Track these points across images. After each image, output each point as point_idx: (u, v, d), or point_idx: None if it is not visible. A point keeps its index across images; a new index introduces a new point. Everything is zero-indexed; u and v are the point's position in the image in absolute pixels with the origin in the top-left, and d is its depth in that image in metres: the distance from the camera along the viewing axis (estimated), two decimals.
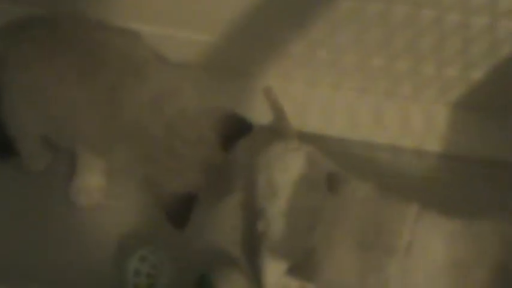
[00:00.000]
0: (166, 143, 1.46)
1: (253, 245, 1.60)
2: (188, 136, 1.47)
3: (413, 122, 1.77)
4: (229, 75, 1.77)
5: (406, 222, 1.38)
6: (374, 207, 1.42)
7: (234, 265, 1.61)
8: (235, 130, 1.51)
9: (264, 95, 1.74)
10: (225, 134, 1.49)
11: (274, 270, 1.56)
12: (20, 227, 1.65)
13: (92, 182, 1.66)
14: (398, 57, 1.70)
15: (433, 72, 1.72)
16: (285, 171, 1.58)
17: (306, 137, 1.68)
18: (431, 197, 1.52)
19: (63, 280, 1.57)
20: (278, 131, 1.69)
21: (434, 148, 1.76)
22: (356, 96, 1.78)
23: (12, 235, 1.64)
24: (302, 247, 1.51)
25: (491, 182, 1.72)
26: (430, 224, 1.39)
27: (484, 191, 1.71)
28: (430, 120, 1.77)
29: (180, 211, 1.48)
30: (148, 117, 1.46)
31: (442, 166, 1.75)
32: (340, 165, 1.61)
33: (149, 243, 1.61)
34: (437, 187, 1.71)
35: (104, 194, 1.67)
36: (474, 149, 1.75)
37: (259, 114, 1.74)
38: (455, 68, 1.70)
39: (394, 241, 1.37)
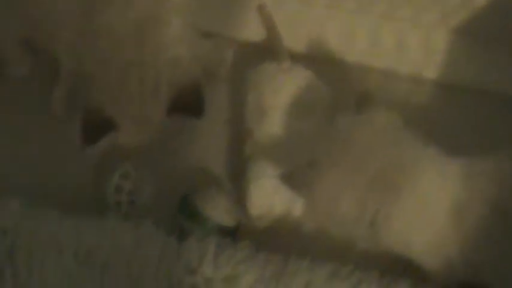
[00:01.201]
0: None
1: (238, 167, 1.54)
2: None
3: (411, 47, 1.69)
4: None
5: (420, 163, 1.31)
6: (392, 137, 1.35)
7: (219, 186, 1.54)
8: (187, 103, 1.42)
9: (258, 12, 1.63)
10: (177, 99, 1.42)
11: (259, 193, 1.49)
12: None
13: None
14: None
15: None
16: (276, 92, 1.52)
17: (298, 58, 1.60)
18: (427, 126, 1.44)
19: (42, 193, 1.49)
20: (270, 50, 1.60)
21: (432, 75, 1.68)
22: (352, 18, 1.68)
23: None
24: (292, 170, 1.43)
25: (488, 114, 1.65)
26: (438, 166, 1.33)
27: (481, 123, 1.64)
28: (428, 46, 1.69)
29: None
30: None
31: (439, 95, 1.68)
32: (333, 88, 1.56)
33: (131, 159, 1.52)
34: (433, 116, 1.63)
35: None
36: (473, 79, 1.67)
37: (252, 32, 1.65)
38: None
39: (403, 179, 1.30)
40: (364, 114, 1.38)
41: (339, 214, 1.30)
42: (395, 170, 1.30)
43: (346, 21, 1.67)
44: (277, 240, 1.51)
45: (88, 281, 1.40)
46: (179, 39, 1.43)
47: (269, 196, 1.48)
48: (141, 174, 1.51)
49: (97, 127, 1.38)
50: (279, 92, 1.51)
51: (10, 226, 1.41)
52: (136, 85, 1.38)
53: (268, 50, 1.60)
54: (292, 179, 1.39)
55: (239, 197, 1.51)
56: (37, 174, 1.53)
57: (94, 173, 1.53)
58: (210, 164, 1.57)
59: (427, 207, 1.30)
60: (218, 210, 1.48)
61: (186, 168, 1.56)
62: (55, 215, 1.43)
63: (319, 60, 1.62)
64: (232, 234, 1.48)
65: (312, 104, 1.52)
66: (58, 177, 1.54)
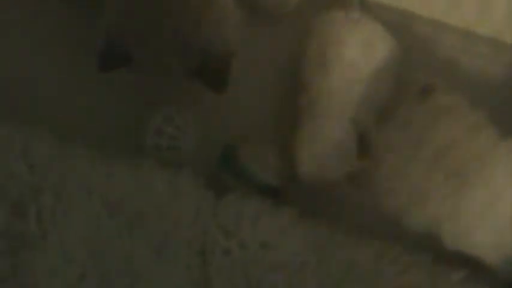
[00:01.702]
0: None
1: (290, 122, 1.41)
2: None
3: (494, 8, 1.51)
4: None
5: (494, 152, 1.21)
6: (459, 120, 1.25)
7: (266, 140, 1.42)
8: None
9: None
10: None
11: (312, 153, 1.37)
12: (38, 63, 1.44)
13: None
14: None
15: None
16: (341, 43, 1.37)
17: (369, 8, 1.45)
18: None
19: (76, 131, 1.37)
20: None
21: None
22: None
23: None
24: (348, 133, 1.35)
25: None
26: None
27: None
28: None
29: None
30: None
31: None
32: (404, 44, 1.41)
33: (176, 102, 1.40)
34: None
35: None
36: None
37: None
38: None
39: (474, 167, 1.21)
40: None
41: (397, 203, 1.19)
42: (465, 156, 1.19)
43: None
44: (325, 209, 1.39)
45: (116, 230, 1.29)
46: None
47: (323, 157, 1.36)
48: (185, 119, 1.38)
49: (117, 57, 1.30)
50: (345, 44, 1.37)
51: (38, 162, 1.31)
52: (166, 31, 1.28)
53: None
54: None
55: (288, 154, 1.39)
56: (73, 109, 1.42)
57: (135, 113, 1.41)
58: (258, 117, 1.44)
59: (499, 200, 1.19)
60: (262, 167, 1.37)
61: (232, 119, 1.43)
62: (87, 156, 1.32)
63: (392, 12, 1.47)
64: (275, 195, 1.37)
65: (379, 59, 1.37)
66: (95, 115, 1.42)
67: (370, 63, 1.36)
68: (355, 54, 1.36)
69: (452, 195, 1.21)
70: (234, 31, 1.34)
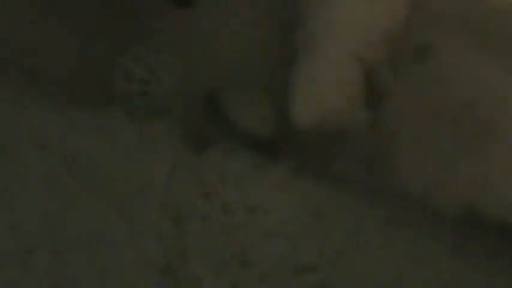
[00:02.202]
0: None
1: (283, 63, 1.23)
2: None
3: None
4: None
5: None
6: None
7: (255, 86, 1.25)
8: None
9: None
10: None
11: (309, 97, 1.20)
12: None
13: None
14: None
15: None
16: None
17: None
18: None
19: (36, 77, 1.22)
20: None
21: None
22: None
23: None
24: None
25: None
26: None
27: None
28: None
29: None
30: None
31: None
32: None
33: (149, 41, 1.23)
34: None
35: None
36: None
37: None
38: None
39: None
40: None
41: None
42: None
43: None
44: (326, 164, 1.21)
45: (75, 193, 1.14)
46: None
47: (322, 101, 1.18)
48: (160, 61, 1.22)
49: None
50: None
51: None
52: None
53: None
54: None
55: (281, 101, 1.21)
56: (30, 50, 1.25)
57: (103, 55, 1.24)
58: (245, 57, 1.27)
59: None
60: (251, 116, 1.21)
61: (216, 59, 1.26)
62: (41, 106, 1.18)
63: None
64: (267, 149, 1.21)
65: None
66: (56, 58, 1.25)
67: None
68: None
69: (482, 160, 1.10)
70: None
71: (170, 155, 1.16)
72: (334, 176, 1.20)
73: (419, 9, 1.23)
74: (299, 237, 1.14)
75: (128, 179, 1.15)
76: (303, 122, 1.18)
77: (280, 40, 1.26)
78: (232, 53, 1.27)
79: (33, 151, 1.15)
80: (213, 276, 1.10)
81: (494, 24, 1.23)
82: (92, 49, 1.25)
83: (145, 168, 1.16)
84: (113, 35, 1.24)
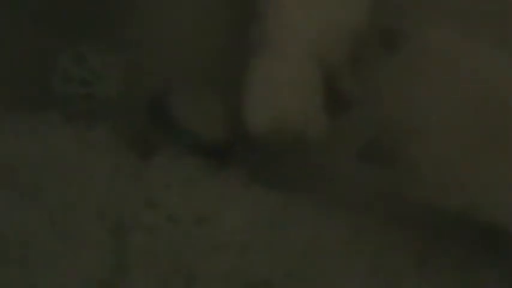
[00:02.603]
0: None
1: (236, 59, 1.15)
2: None
3: None
4: None
5: None
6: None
7: (205, 85, 1.16)
8: None
9: None
10: None
11: (267, 95, 1.12)
12: None
13: None
14: None
15: None
16: None
17: None
18: None
19: None
20: None
21: None
22: None
23: None
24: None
25: None
26: None
27: None
28: None
29: None
30: None
31: None
32: None
33: (92, 39, 1.15)
34: None
35: None
36: None
37: None
38: None
39: None
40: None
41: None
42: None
43: None
44: (282, 170, 1.14)
45: (5, 198, 1.07)
46: None
47: (279, 102, 1.10)
48: (103, 59, 1.15)
49: None
50: None
51: None
52: None
53: None
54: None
55: (234, 101, 1.13)
56: None
57: (40, 52, 1.15)
58: (195, 55, 1.19)
59: None
60: (200, 118, 1.14)
61: (162, 59, 1.18)
62: None
63: None
64: (217, 154, 1.13)
65: None
66: None
67: None
68: None
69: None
70: None
71: (112, 161, 1.09)
72: (290, 184, 1.13)
73: None
74: (250, 249, 1.07)
75: (65, 187, 1.07)
76: (257, 125, 1.11)
77: (236, 37, 1.18)
78: (178, 50, 1.18)
79: None
80: None
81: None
82: (29, 48, 1.17)
83: (84, 175, 1.08)
84: (53, 33, 1.16)
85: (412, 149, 1.10)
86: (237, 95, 1.14)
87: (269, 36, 1.13)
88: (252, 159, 1.15)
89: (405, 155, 1.10)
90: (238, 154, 1.16)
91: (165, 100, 1.16)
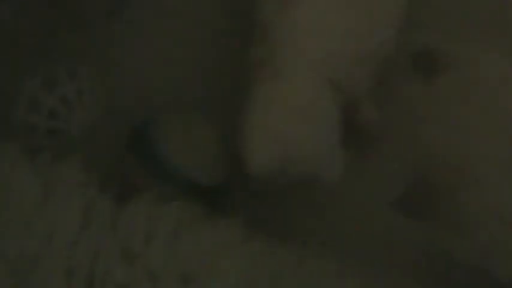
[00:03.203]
0: None
1: (233, 90, 1.01)
2: None
3: None
4: None
5: None
6: None
7: (195, 117, 1.04)
8: None
9: None
10: None
11: (266, 136, 0.97)
12: None
13: None
14: None
15: None
16: None
17: None
18: None
19: None
20: None
21: None
22: None
23: None
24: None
25: None
26: None
27: None
28: None
29: None
30: None
31: None
32: None
33: (63, 62, 1.01)
34: None
35: None
36: None
37: None
38: None
39: None
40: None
41: None
42: None
43: None
44: (290, 219, 1.00)
45: None
46: None
47: (284, 138, 0.96)
48: (77, 86, 1.00)
49: None
50: None
51: None
52: None
53: None
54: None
55: (230, 140, 1.00)
56: None
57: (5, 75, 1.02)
58: (182, 81, 1.07)
59: None
60: (189, 154, 1.01)
61: (145, 84, 1.06)
62: None
63: None
64: (211, 199, 1.02)
65: None
66: None
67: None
68: None
69: None
70: None
71: (83, 206, 0.92)
72: (299, 235, 0.98)
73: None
74: None
75: (26, 234, 0.90)
76: (258, 163, 0.96)
77: (234, 59, 1.05)
78: (164, 74, 1.05)
79: None
80: None
81: None
82: None
83: (49, 223, 0.91)
84: (23, 53, 1.04)
85: (460, 198, 0.95)
86: (233, 125, 1.00)
87: (275, 55, 0.99)
88: (251, 205, 1.01)
89: (452, 206, 0.95)
90: (235, 199, 1.02)
91: (148, 131, 1.01)
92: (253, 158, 0.96)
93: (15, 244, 0.94)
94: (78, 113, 1.01)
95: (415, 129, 1.04)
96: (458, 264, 0.96)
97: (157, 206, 0.96)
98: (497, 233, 1.02)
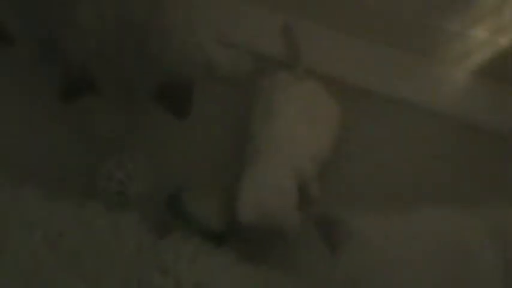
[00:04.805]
0: None
1: (235, 170, 1.27)
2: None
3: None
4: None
5: None
6: None
7: (213, 188, 1.28)
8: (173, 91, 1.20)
9: (283, 29, 1.37)
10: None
11: (253, 198, 1.22)
12: None
13: None
14: None
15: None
16: (287, 98, 1.28)
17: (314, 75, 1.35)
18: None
19: (31, 172, 1.26)
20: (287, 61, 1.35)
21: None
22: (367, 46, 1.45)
23: None
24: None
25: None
26: None
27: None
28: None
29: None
30: None
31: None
32: (346, 108, 1.32)
33: (129, 150, 1.28)
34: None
35: None
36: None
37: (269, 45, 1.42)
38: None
39: None
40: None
41: None
42: None
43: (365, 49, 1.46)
44: (267, 253, 1.23)
45: (55, 266, 1.14)
46: (193, 37, 1.23)
47: (262, 203, 1.21)
48: (136, 167, 1.26)
49: (78, 85, 1.17)
50: (290, 99, 1.28)
51: None
52: (128, 48, 1.15)
53: (281, 63, 1.37)
54: None
55: (231, 199, 1.24)
56: (27, 149, 1.31)
57: (88, 158, 1.29)
58: (206, 166, 1.32)
59: None
60: (206, 212, 1.23)
61: (183, 166, 1.31)
62: (30, 194, 1.20)
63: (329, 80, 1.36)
64: (219, 239, 1.22)
65: (320, 115, 1.28)
66: (51, 158, 1.31)
67: (311, 117, 1.26)
68: (298, 108, 1.26)
69: None
70: (196, 57, 1.25)
71: (137, 239, 1.17)
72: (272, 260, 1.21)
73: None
74: None
75: (99, 257, 1.15)
76: (245, 218, 1.20)
77: (235, 154, 1.30)
78: (194, 163, 1.30)
79: (22, 231, 1.15)
80: None
81: None
82: (78, 152, 1.31)
83: (115, 249, 1.16)
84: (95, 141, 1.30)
85: None
86: (233, 195, 1.22)
87: (259, 151, 1.24)
88: (242, 241, 1.22)
89: None
90: (232, 237, 1.23)
91: (179, 196, 1.24)
92: (243, 214, 1.19)
93: (87, 260, 1.14)
94: (136, 183, 1.25)
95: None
96: None
97: (183, 240, 1.18)
98: None
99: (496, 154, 1.34)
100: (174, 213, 1.23)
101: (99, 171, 1.25)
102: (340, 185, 1.29)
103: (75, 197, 1.21)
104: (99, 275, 1.14)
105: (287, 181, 1.21)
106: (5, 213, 1.17)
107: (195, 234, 1.20)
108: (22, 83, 1.37)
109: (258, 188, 1.21)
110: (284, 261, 1.23)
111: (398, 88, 1.40)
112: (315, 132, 1.27)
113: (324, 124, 1.28)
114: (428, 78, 1.42)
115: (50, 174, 1.26)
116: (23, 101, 1.35)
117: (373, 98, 1.40)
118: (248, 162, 1.25)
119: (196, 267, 1.15)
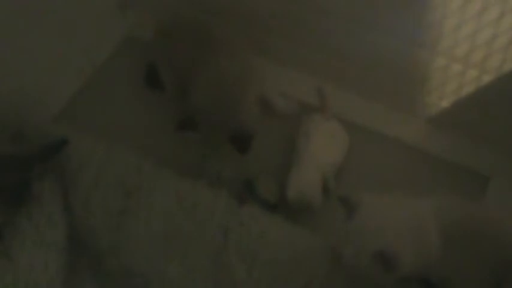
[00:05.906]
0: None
1: (286, 168, 1.73)
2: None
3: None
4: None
5: None
6: None
7: (272, 176, 1.73)
8: (238, 140, 1.68)
9: (317, 89, 1.84)
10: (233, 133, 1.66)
11: (296, 183, 1.66)
12: None
13: None
14: None
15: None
16: (316, 125, 1.76)
17: (335, 117, 1.81)
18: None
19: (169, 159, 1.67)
20: (320, 107, 1.83)
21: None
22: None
23: None
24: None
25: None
26: None
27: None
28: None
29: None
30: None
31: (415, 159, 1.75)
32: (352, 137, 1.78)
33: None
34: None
35: None
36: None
37: (308, 95, 1.84)
38: None
39: None
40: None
41: None
42: None
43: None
44: (302, 217, 1.66)
45: (182, 218, 1.57)
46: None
47: (301, 188, 1.66)
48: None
49: (189, 123, 1.69)
50: (320, 129, 1.75)
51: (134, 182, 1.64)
52: (219, 112, 1.67)
53: (315, 108, 1.82)
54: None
55: (283, 185, 1.70)
56: (161, 150, 1.75)
57: (197, 155, 1.76)
58: (269, 165, 1.78)
59: None
60: (267, 192, 1.69)
61: (255, 165, 1.76)
62: (167, 172, 1.64)
63: (344, 120, 1.82)
64: (274, 208, 1.66)
65: (337, 141, 1.77)
66: (175, 154, 1.75)
67: (332, 140, 1.74)
68: (324, 134, 1.74)
69: None
70: (254, 121, 1.73)
71: (227, 204, 1.59)
72: (304, 220, 1.62)
73: None
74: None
75: (204, 209, 1.56)
76: (290, 197, 1.68)
77: (286, 159, 1.75)
78: (262, 164, 1.75)
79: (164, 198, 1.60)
80: None
81: None
82: (191, 152, 1.72)
83: (215, 206, 1.57)
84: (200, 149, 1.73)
85: None
86: (284, 183, 1.69)
87: (300, 159, 1.71)
88: (286, 210, 1.66)
89: None
90: (281, 208, 1.68)
91: (252, 181, 1.69)
92: (289, 194, 1.66)
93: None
94: (226, 172, 1.71)
95: None
96: None
97: (254, 207, 1.59)
98: None
99: None
100: (248, 192, 1.68)
101: (204, 161, 1.72)
102: (348, 180, 1.74)
103: (190, 176, 1.64)
104: (202, 220, 1.56)
105: (315, 176, 1.69)
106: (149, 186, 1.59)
107: (260, 204, 1.63)
108: (159, 113, 1.86)
109: (298, 180, 1.68)
110: (311, 221, 1.66)
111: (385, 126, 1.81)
112: (333, 149, 1.74)
113: (339, 145, 1.75)
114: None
115: (176, 165, 1.65)
116: (159, 124, 1.85)
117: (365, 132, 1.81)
118: (293, 164, 1.72)
119: (261, 222, 1.56)
